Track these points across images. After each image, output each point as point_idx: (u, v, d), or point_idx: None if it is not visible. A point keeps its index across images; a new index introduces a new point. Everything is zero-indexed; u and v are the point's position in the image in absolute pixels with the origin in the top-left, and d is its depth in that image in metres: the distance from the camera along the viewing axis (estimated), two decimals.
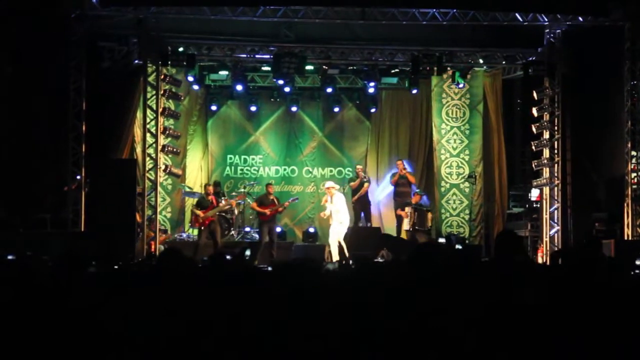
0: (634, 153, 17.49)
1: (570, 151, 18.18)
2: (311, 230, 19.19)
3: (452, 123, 20.02)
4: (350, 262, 16.90)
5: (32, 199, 16.40)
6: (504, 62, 19.34)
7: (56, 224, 16.18)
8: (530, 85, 18.72)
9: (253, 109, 20.20)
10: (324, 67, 18.97)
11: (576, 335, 4.03)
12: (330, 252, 17.15)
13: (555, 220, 18.13)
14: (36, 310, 4.23)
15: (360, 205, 18.98)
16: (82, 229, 16.21)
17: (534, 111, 18.28)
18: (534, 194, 19.07)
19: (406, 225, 18.16)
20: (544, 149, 18.30)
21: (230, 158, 20.53)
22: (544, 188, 18.35)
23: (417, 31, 18.33)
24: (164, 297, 4.38)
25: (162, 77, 17.58)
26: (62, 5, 16.25)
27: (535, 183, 18.71)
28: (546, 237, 18.08)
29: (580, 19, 17.36)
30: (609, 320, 4.11)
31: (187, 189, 19.25)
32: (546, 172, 18.25)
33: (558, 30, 17.88)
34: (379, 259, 16.17)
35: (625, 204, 17.31)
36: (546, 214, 18.23)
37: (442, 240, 18.43)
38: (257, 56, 18.77)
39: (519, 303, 4.20)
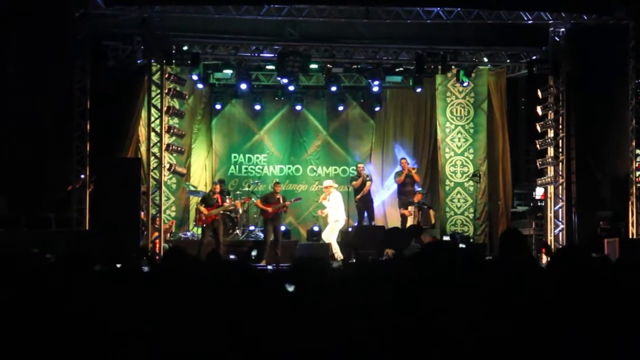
0: (638, 151, 17.47)
1: (574, 150, 18.18)
2: (315, 228, 19.16)
3: (456, 122, 20.01)
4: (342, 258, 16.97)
5: (36, 198, 16.44)
6: (508, 61, 19.30)
7: (61, 222, 16.21)
8: (534, 83, 18.70)
9: (257, 107, 20.17)
10: (329, 65, 18.96)
11: (580, 334, 4.02)
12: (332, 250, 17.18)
13: (560, 219, 18.12)
14: (37, 309, 4.23)
15: (363, 204, 18.94)
16: (87, 228, 16.23)
17: (539, 110, 18.28)
18: (539, 192, 19.03)
19: (410, 223, 18.15)
20: (549, 148, 18.29)
21: (235, 157, 20.50)
22: (549, 186, 18.34)
23: (421, 30, 18.35)
24: (167, 296, 4.38)
25: (167, 75, 17.60)
26: (66, 5, 16.26)
27: (539, 181, 18.69)
28: (551, 236, 18.07)
29: (585, 17, 17.36)
30: (612, 320, 4.10)
31: (192, 188, 19.23)
32: (551, 171, 18.24)
33: (562, 29, 17.86)
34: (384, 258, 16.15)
35: (630, 203, 17.29)
36: (550, 213, 18.21)
37: (446, 238, 18.46)
38: (261, 55, 18.77)
39: (521, 303, 4.19)
